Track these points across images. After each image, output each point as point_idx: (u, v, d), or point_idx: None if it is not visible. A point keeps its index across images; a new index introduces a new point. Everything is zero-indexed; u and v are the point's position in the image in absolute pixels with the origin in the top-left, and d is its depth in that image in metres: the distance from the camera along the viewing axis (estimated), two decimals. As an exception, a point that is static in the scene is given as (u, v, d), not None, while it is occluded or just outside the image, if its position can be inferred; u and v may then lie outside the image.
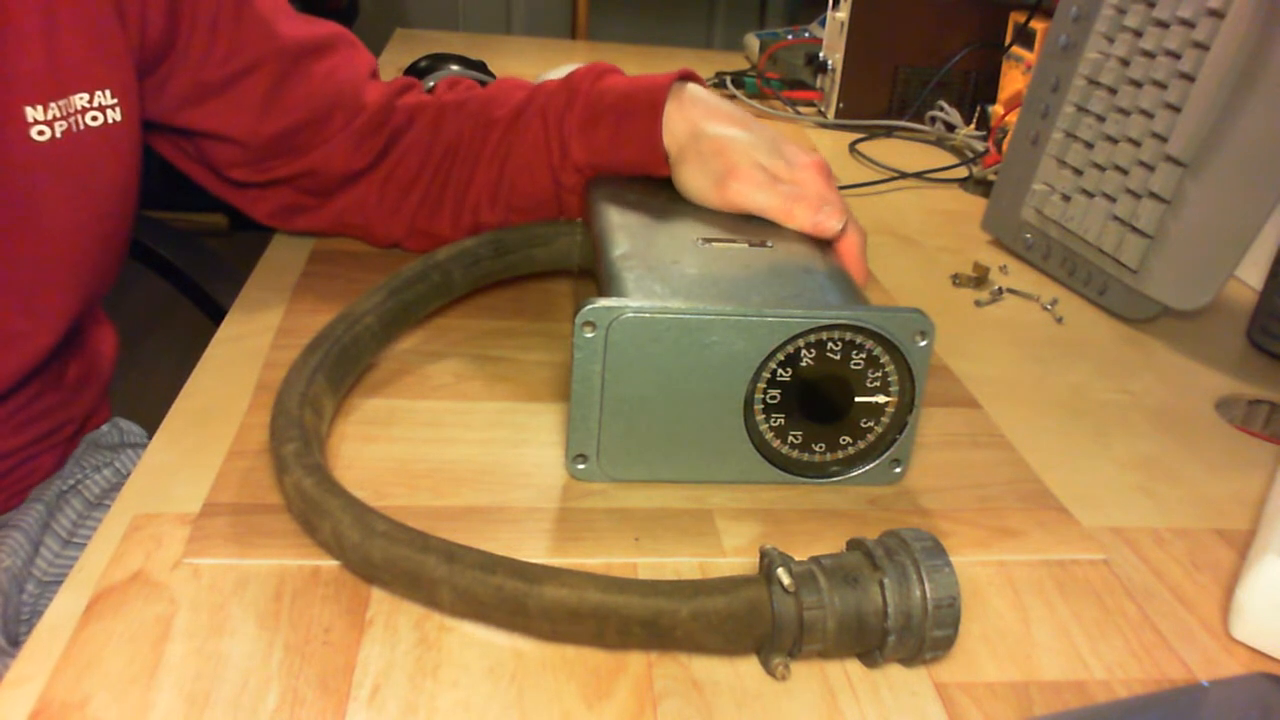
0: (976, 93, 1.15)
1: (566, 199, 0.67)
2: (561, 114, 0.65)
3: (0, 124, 0.55)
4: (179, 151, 0.68)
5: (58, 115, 0.56)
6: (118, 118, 0.59)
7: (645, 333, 0.46)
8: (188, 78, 0.63)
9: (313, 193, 0.69)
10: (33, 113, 0.55)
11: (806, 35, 1.29)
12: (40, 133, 0.56)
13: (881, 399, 0.49)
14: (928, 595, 0.39)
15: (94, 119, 0.58)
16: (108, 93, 0.58)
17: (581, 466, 0.49)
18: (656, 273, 0.50)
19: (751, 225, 0.58)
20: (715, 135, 0.61)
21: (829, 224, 0.57)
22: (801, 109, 1.19)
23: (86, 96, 0.57)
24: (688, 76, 0.65)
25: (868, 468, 0.51)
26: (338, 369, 0.51)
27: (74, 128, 0.57)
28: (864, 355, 0.48)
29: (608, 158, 0.64)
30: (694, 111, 0.62)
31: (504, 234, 0.63)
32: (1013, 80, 1.03)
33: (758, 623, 0.39)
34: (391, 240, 0.71)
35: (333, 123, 0.67)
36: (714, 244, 0.54)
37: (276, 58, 0.64)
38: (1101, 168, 0.73)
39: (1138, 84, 0.71)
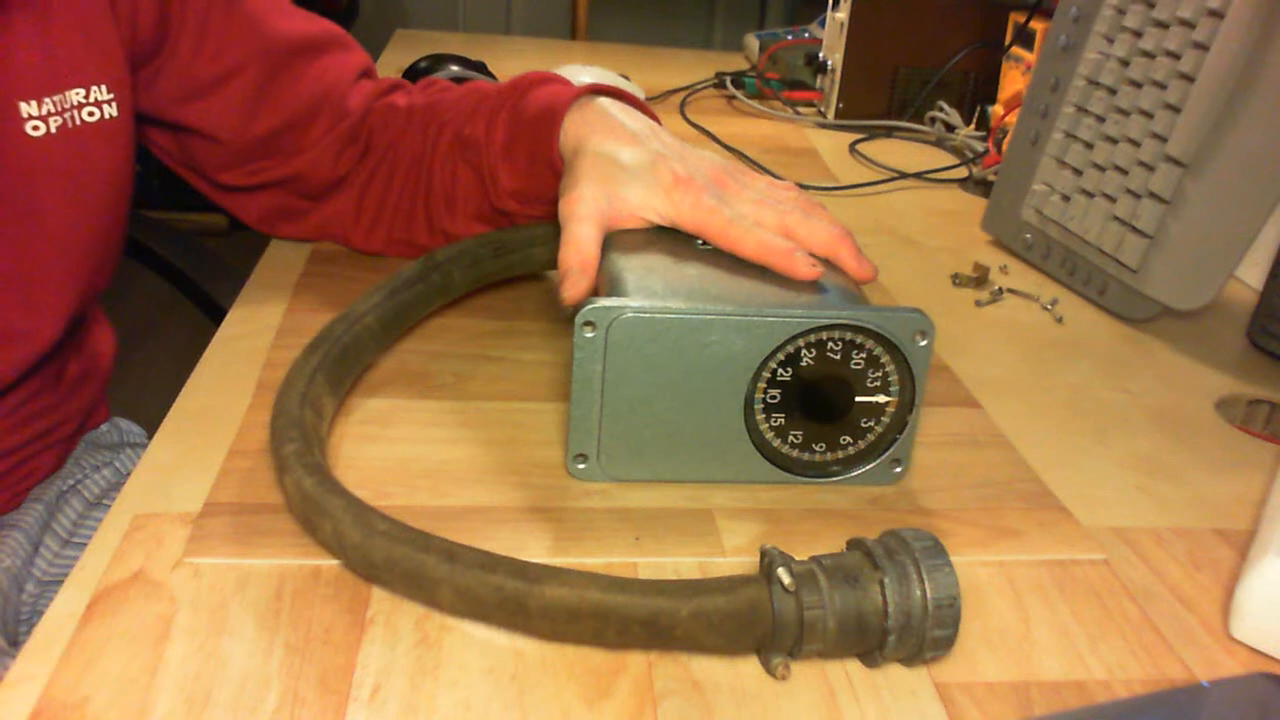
0: (976, 93, 1.15)
1: (519, 221, 0.64)
2: (487, 137, 0.62)
3: None
4: (169, 155, 0.68)
5: (53, 111, 0.56)
6: (114, 113, 0.59)
7: (645, 332, 0.46)
8: (178, 74, 0.63)
9: (302, 195, 0.69)
10: (27, 108, 0.55)
11: (806, 35, 1.29)
12: (35, 128, 0.56)
13: (882, 399, 0.49)
14: (928, 595, 0.39)
15: (90, 114, 0.58)
16: (103, 88, 0.58)
17: (581, 466, 0.49)
18: (656, 273, 0.50)
19: None
20: (595, 153, 0.56)
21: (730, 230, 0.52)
22: (801, 109, 1.19)
23: (82, 92, 0.57)
24: (604, 92, 0.60)
25: (868, 467, 0.51)
26: (338, 369, 0.52)
27: (70, 123, 0.57)
28: (864, 355, 0.48)
29: (534, 184, 0.61)
30: (585, 128, 0.57)
31: (504, 234, 0.63)
32: (1013, 80, 1.03)
33: (758, 622, 0.39)
34: (373, 250, 0.71)
35: (317, 126, 0.66)
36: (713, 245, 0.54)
37: (267, 57, 0.64)
38: (1101, 168, 0.73)
39: (1138, 84, 0.71)
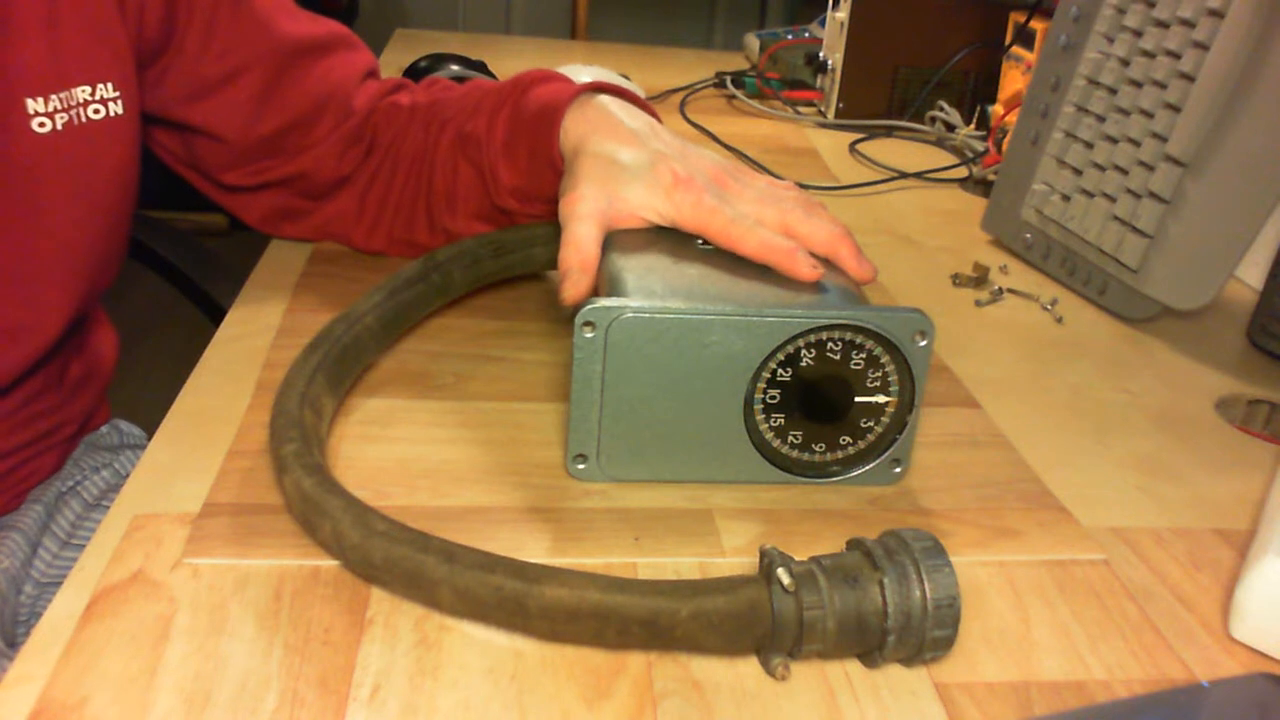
0: (976, 93, 1.15)
1: (519, 220, 0.64)
2: (488, 135, 0.62)
3: (1, 115, 0.55)
4: (172, 155, 0.68)
5: (59, 107, 0.56)
6: (119, 111, 0.59)
7: (645, 333, 0.46)
8: (184, 73, 0.63)
9: (305, 195, 0.69)
10: (34, 104, 0.55)
11: (806, 35, 1.29)
12: (41, 124, 0.56)
13: (881, 399, 0.49)
14: (928, 595, 0.39)
15: (96, 111, 0.58)
16: (109, 85, 0.58)
17: (581, 466, 0.49)
18: (656, 272, 0.50)
19: None
20: (596, 153, 0.56)
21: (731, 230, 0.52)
22: (801, 109, 1.19)
23: (88, 89, 0.57)
24: (604, 89, 0.60)
25: (868, 468, 0.51)
26: (338, 369, 0.51)
27: (75, 120, 0.57)
28: (864, 355, 0.48)
29: (534, 182, 0.61)
30: (586, 127, 0.57)
31: (504, 234, 0.63)
32: (1013, 80, 1.03)
33: (758, 623, 0.39)
34: (374, 249, 0.71)
35: (321, 125, 0.67)
36: (714, 244, 0.54)
37: (272, 56, 0.64)
38: (1101, 168, 0.73)
39: (1138, 84, 0.71)
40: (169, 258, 0.91)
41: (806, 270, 0.50)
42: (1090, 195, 0.74)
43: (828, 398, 0.48)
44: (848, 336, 0.47)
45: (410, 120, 0.68)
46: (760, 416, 0.49)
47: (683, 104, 1.17)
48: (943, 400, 0.60)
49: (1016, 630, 0.44)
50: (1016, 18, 1.03)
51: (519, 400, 0.57)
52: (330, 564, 0.44)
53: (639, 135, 0.56)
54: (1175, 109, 0.67)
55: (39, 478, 0.69)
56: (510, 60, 1.27)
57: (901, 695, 0.40)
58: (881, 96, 1.15)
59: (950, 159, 1.06)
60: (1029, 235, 0.80)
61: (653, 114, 0.61)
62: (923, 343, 0.48)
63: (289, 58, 0.65)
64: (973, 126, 1.09)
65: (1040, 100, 0.79)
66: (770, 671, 0.40)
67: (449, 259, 0.60)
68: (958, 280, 0.77)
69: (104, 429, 0.76)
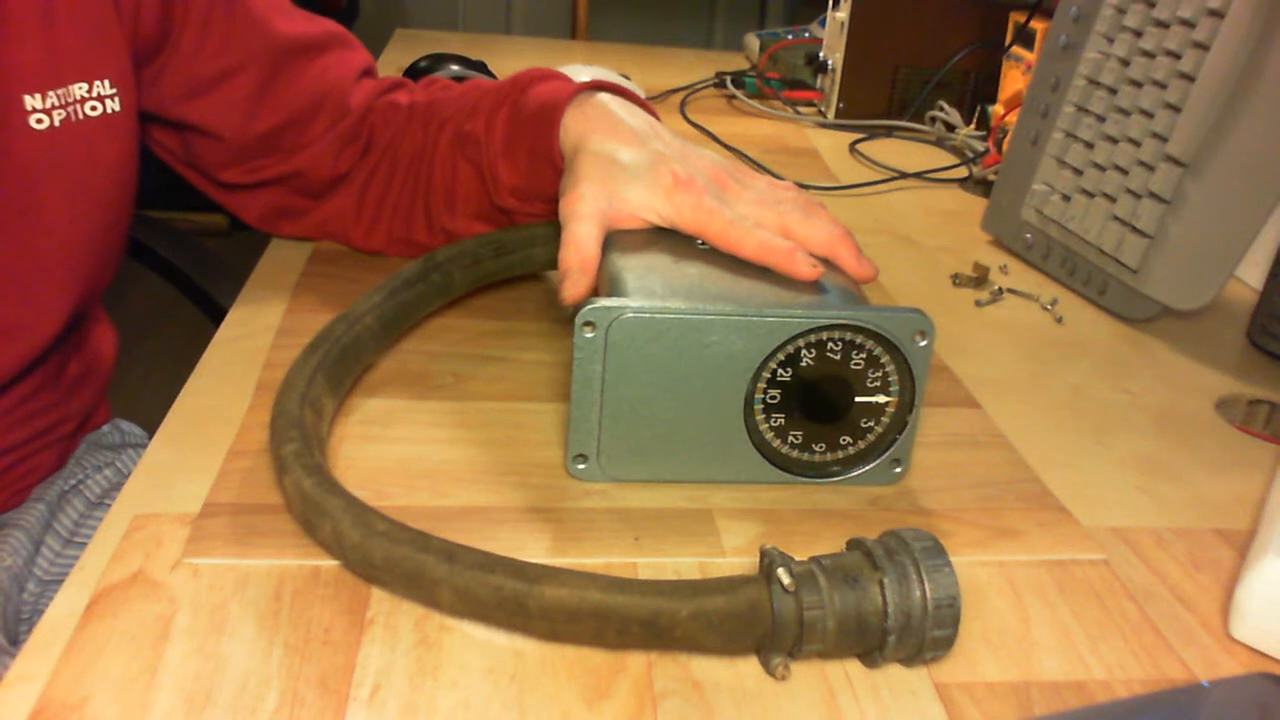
0: (976, 93, 1.15)
1: (519, 220, 0.64)
2: (487, 134, 0.62)
3: None
4: (171, 154, 0.69)
5: (56, 104, 0.56)
6: (116, 108, 0.59)
7: (645, 332, 0.46)
8: (181, 71, 0.63)
9: (303, 193, 0.69)
10: (31, 101, 0.56)
11: (806, 35, 1.29)
12: (39, 121, 0.56)
13: (881, 399, 0.49)
14: (928, 595, 0.39)
15: (93, 109, 0.58)
16: (106, 83, 0.58)
17: (581, 466, 0.49)
18: (656, 272, 0.50)
19: None
20: (596, 152, 0.55)
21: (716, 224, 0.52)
22: (801, 109, 1.19)
23: (85, 86, 0.58)
24: (604, 88, 0.60)
25: (868, 468, 0.51)
26: (338, 369, 0.51)
27: (73, 117, 0.57)
28: (864, 355, 0.48)
29: (534, 181, 0.61)
30: (585, 125, 0.57)
31: (504, 234, 0.63)
32: (1013, 80, 1.03)
33: (758, 623, 0.39)
34: (373, 249, 0.71)
35: (317, 123, 0.67)
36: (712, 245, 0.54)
37: (268, 55, 0.64)
38: (1101, 168, 0.73)
39: (1138, 84, 0.71)
40: (169, 258, 0.91)
41: (805, 270, 0.50)
42: (1090, 195, 0.74)
43: (828, 398, 0.48)
44: (848, 336, 0.47)
45: (409, 120, 0.68)
46: (760, 416, 0.49)
47: (683, 104, 1.17)
48: (943, 400, 0.60)
49: (1016, 630, 0.44)
50: (1016, 18, 1.03)
51: (519, 400, 0.57)
52: (330, 564, 0.44)
53: (639, 134, 0.56)
54: (1175, 109, 0.67)
55: (39, 475, 0.69)
56: (510, 60, 1.27)
57: (901, 695, 0.40)
58: (881, 96, 1.15)
59: (950, 159, 1.06)
60: (1029, 235, 0.80)
61: (652, 114, 0.61)
62: (923, 343, 0.48)
63: (284, 56, 0.65)
64: (973, 126, 1.09)
65: (1040, 100, 0.79)
66: (770, 671, 0.40)
67: (449, 259, 0.60)
68: (958, 280, 0.77)
69: (105, 428, 0.76)
